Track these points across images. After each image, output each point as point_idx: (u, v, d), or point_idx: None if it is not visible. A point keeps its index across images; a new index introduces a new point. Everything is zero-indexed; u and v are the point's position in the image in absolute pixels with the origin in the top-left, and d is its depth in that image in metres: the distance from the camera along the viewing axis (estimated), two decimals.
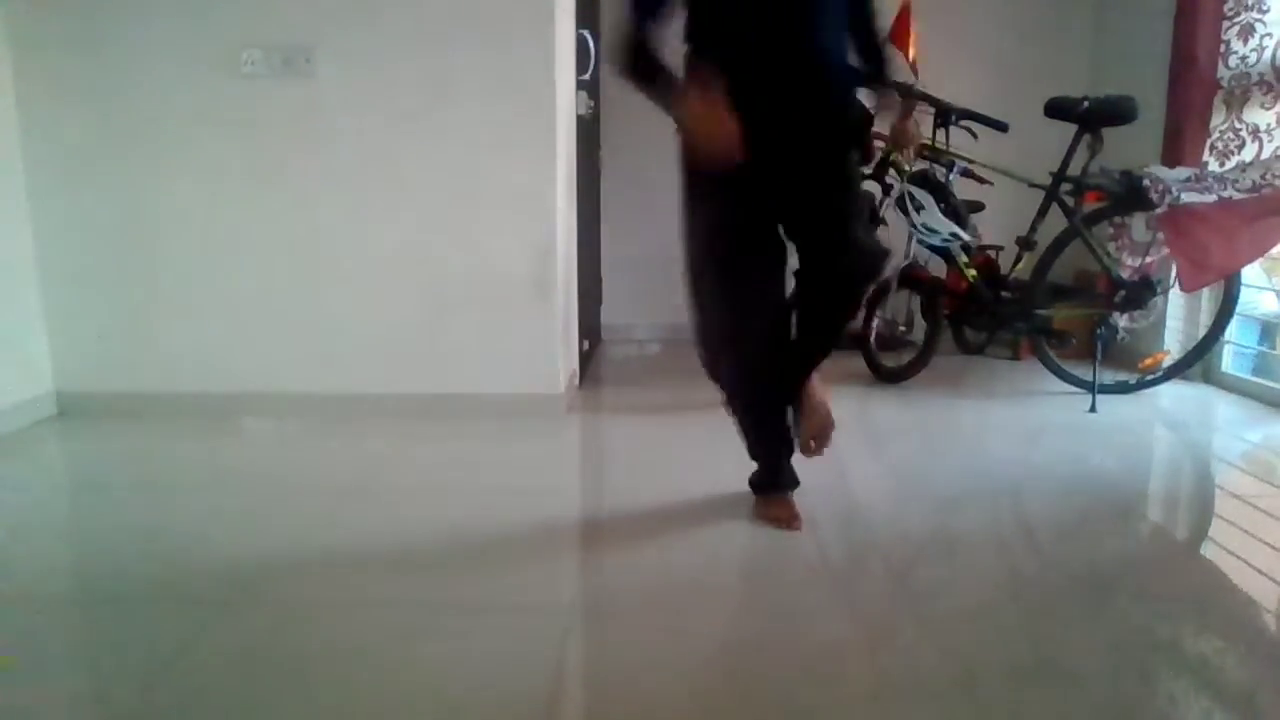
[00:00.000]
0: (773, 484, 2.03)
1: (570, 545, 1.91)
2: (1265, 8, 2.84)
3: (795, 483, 2.04)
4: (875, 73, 1.88)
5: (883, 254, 1.86)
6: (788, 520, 1.94)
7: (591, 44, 3.21)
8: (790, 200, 1.83)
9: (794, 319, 1.92)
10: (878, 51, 1.88)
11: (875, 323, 3.32)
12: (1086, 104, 2.90)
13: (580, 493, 2.31)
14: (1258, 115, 2.87)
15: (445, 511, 2.03)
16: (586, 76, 3.22)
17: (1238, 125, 2.92)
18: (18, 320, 2.67)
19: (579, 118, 3.20)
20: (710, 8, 1.79)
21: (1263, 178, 2.74)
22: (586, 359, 3.50)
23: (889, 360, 3.31)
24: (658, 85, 1.75)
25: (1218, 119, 2.99)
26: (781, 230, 1.87)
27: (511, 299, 2.76)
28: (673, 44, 1.79)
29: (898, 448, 2.62)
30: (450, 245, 2.75)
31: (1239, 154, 2.92)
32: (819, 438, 1.97)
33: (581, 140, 3.26)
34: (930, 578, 1.77)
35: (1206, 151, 3.01)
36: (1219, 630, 1.58)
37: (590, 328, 3.66)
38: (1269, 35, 2.82)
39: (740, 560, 1.82)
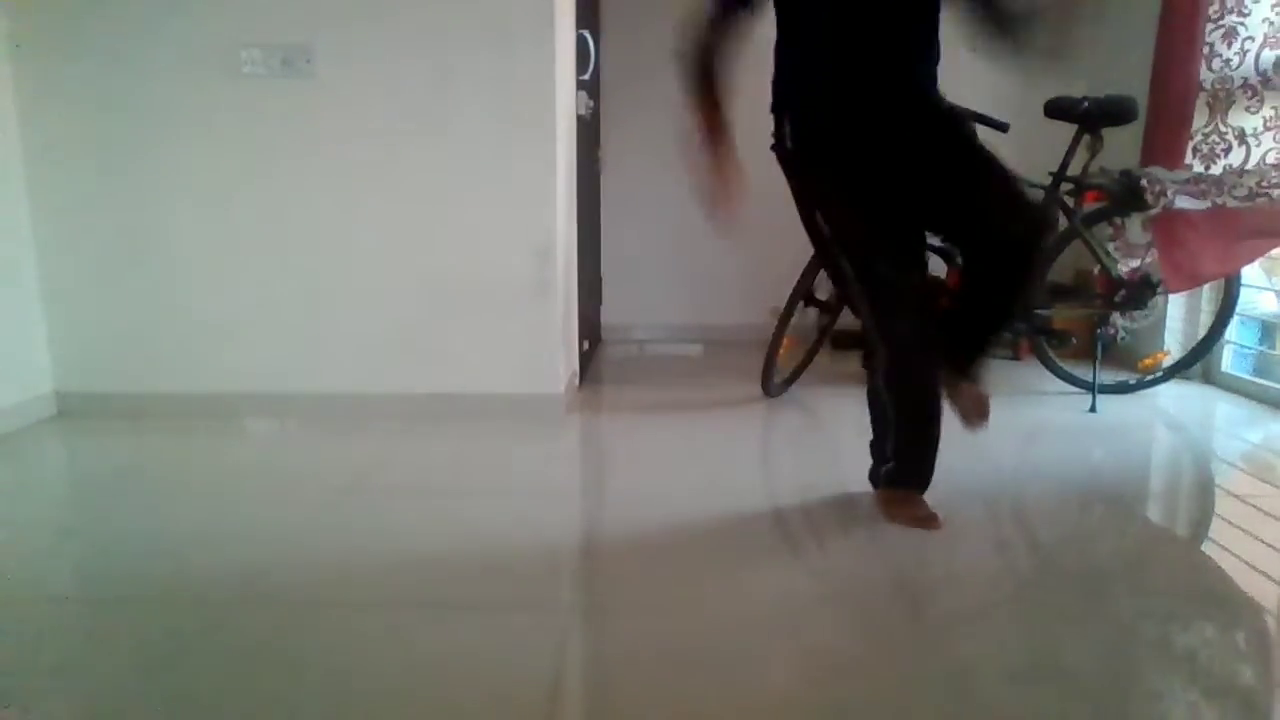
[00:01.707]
0: (916, 481, 1.97)
1: (570, 545, 1.91)
2: (1246, 10, 2.83)
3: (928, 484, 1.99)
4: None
5: (1043, 211, 1.83)
6: (929, 520, 1.91)
7: (591, 44, 3.21)
8: (929, 199, 1.83)
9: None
10: None
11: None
12: (1086, 104, 2.90)
13: (580, 493, 2.31)
14: (1243, 119, 2.87)
15: (445, 511, 2.03)
16: (586, 76, 3.22)
17: (1223, 128, 2.92)
18: (18, 320, 2.68)
19: (579, 118, 3.20)
20: (790, 15, 1.82)
21: (1259, 185, 2.74)
22: (586, 359, 3.50)
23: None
24: (701, 92, 1.80)
25: (1200, 121, 2.99)
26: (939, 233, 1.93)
27: (511, 299, 2.76)
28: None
29: None
30: (450, 245, 2.75)
31: (1225, 158, 2.91)
32: (980, 410, 1.94)
33: (581, 140, 3.26)
34: (929, 577, 1.77)
35: (1190, 154, 3.00)
36: (1219, 630, 1.58)
37: (590, 328, 3.67)
38: (1251, 39, 2.82)
39: (737, 559, 1.81)
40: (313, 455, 2.48)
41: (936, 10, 1.79)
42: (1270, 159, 2.78)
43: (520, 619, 1.54)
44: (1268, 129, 2.80)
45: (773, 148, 1.95)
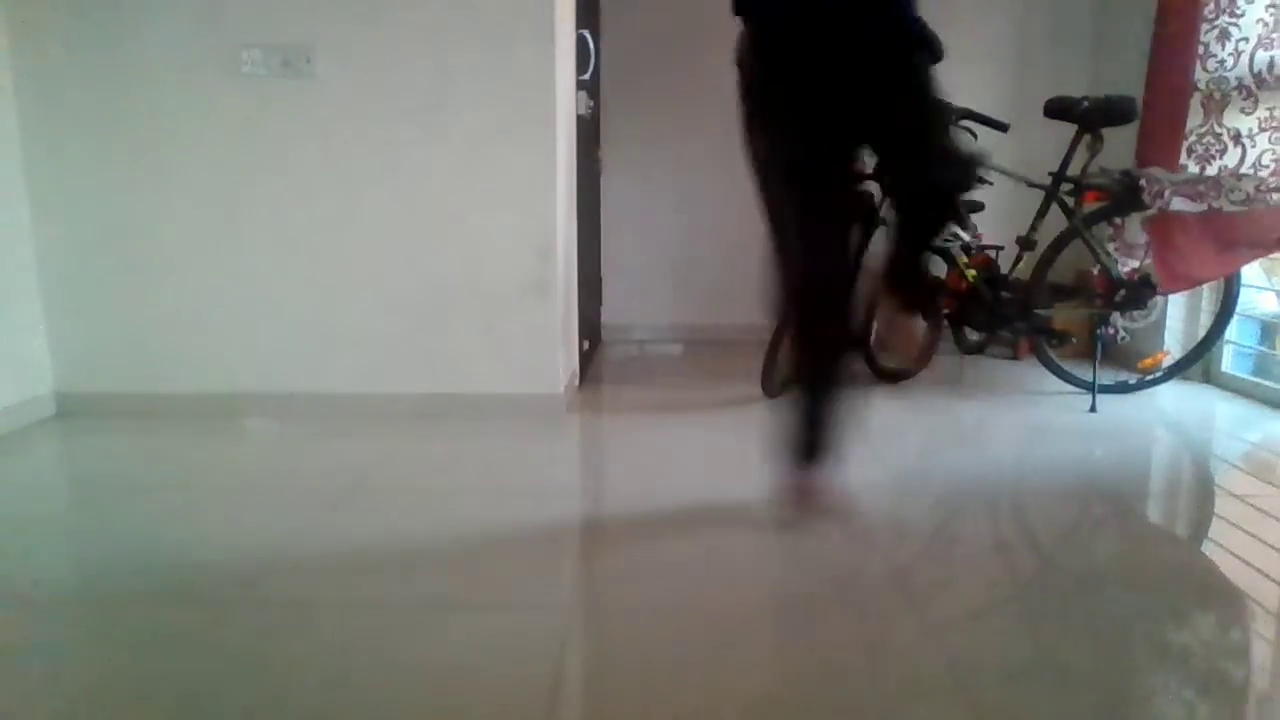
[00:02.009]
0: (816, 460, 1.89)
1: (570, 545, 1.91)
2: (1239, 11, 2.84)
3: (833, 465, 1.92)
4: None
5: (967, 163, 1.81)
6: (832, 507, 1.88)
7: (591, 44, 3.21)
8: (863, 119, 1.78)
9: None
10: None
11: (875, 323, 3.31)
12: (1086, 104, 2.91)
13: (580, 493, 2.31)
14: (1238, 120, 2.87)
15: (445, 511, 2.03)
16: (586, 76, 3.22)
17: (1218, 129, 2.92)
18: (18, 320, 2.67)
19: (579, 118, 3.20)
20: None
21: (1257, 189, 2.74)
22: (586, 359, 3.50)
23: (888, 360, 3.31)
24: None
25: (1194, 121, 2.99)
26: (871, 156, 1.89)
27: (511, 299, 2.77)
28: None
29: (898, 448, 2.63)
30: (450, 245, 2.75)
31: (1220, 159, 2.91)
32: (910, 343, 1.94)
33: (581, 140, 3.26)
34: (930, 578, 1.77)
35: (1184, 154, 3.00)
36: (1219, 630, 1.58)
37: (590, 328, 3.67)
38: (1244, 40, 2.83)
39: (740, 560, 1.82)
40: (313, 455, 2.47)
41: None
42: (1265, 160, 2.79)
43: (520, 619, 1.54)
44: (1262, 130, 2.80)
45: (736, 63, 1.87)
